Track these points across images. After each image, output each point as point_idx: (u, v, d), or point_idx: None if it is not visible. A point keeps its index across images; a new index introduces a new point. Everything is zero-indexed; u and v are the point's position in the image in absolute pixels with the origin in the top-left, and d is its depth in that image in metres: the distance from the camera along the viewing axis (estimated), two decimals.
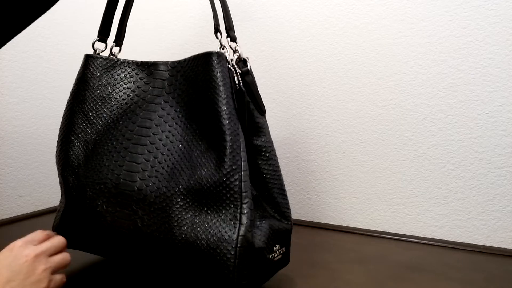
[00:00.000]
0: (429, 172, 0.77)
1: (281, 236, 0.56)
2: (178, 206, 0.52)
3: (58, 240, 0.51)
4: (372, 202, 0.83)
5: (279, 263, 0.55)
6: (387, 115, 0.80)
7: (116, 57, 0.67)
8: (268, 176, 0.58)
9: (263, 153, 0.58)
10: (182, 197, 0.52)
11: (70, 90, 0.64)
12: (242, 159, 0.52)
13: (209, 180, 0.52)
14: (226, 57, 0.55)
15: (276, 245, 0.55)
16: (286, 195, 0.60)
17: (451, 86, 0.74)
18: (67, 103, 0.64)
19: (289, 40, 0.88)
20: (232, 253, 0.49)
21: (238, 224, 0.50)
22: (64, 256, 0.50)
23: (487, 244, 0.73)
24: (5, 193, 0.89)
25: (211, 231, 0.51)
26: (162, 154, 0.55)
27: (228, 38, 0.60)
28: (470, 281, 0.59)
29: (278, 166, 0.60)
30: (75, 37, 1.03)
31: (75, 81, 0.65)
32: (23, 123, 0.92)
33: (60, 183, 0.63)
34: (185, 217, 0.52)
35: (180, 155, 0.54)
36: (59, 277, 0.48)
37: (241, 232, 0.49)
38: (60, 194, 0.65)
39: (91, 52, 0.70)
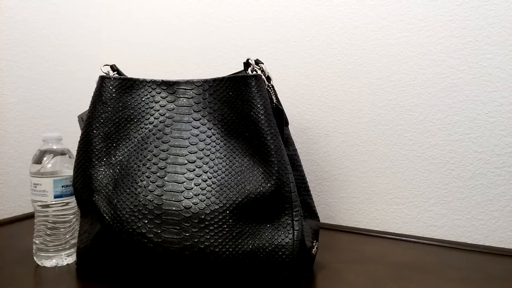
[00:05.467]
0: (429, 172, 0.77)
1: (316, 233, 0.63)
2: (231, 220, 0.54)
3: None
4: (372, 202, 0.83)
5: (315, 256, 0.60)
6: (387, 115, 0.80)
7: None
8: (298, 182, 0.63)
9: (293, 161, 0.63)
10: (235, 212, 0.55)
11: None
12: (289, 172, 0.56)
13: (259, 193, 0.55)
14: (264, 80, 0.60)
15: (314, 241, 0.61)
16: (311, 195, 0.65)
17: (451, 86, 0.74)
18: (84, 125, 0.62)
19: (289, 40, 0.88)
20: (290, 257, 0.54)
21: (292, 230, 0.55)
22: None
23: (487, 244, 0.73)
24: (5, 193, 0.89)
25: (268, 240, 0.54)
26: (206, 172, 0.57)
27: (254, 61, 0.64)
28: (470, 281, 0.59)
29: (303, 170, 0.64)
30: (75, 37, 1.03)
31: (92, 104, 0.63)
32: (23, 123, 0.92)
33: (85, 206, 0.62)
34: (239, 230, 0.54)
35: (225, 171, 0.57)
36: None
37: (296, 237, 0.54)
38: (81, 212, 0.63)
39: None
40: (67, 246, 0.65)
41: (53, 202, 0.64)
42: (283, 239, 0.54)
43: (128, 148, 0.61)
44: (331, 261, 0.66)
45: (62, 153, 0.66)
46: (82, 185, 0.60)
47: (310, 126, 0.87)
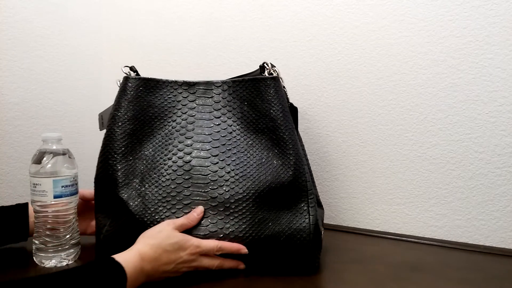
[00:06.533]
0: (429, 172, 0.77)
1: (322, 220, 0.68)
2: (254, 208, 0.60)
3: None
4: (372, 202, 0.83)
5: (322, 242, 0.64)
6: (387, 115, 0.80)
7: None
8: None
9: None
10: (257, 200, 0.60)
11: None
12: (304, 164, 0.63)
13: (278, 183, 0.61)
14: (281, 81, 0.67)
15: (321, 227, 0.64)
16: (316, 186, 0.70)
17: (451, 86, 0.74)
18: (109, 123, 0.65)
19: (289, 40, 0.88)
20: (308, 239, 0.60)
21: (308, 216, 0.61)
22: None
23: (487, 244, 0.73)
24: (5, 193, 0.89)
25: (287, 225, 0.60)
26: (228, 165, 0.62)
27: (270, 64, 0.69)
28: (470, 281, 0.59)
29: (309, 164, 0.69)
30: (75, 37, 1.03)
31: (116, 102, 0.66)
32: (23, 123, 0.92)
33: (104, 200, 0.64)
34: (261, 216, 0.60)
35: (246, 164, 0.63)
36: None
37: (312, 221, 0.60)
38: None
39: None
40: (67, 247, 0.65)
41: (52, 202, 0.63)
42: (301, 224, 0.60)
43: (153, 143, 0.65)
44: (331, 261, 0.65)
45: (62, 153, 0.66)
46: (105, 180, 0.63)
47: (310, 126, 0.87)
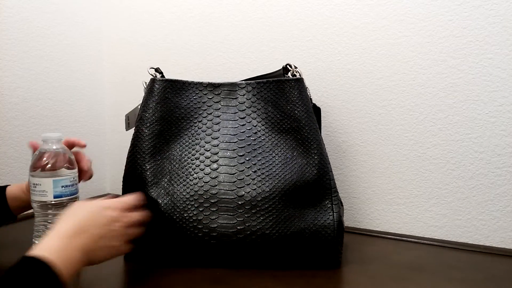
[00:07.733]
0: (429, 172, 0.77)
1: (343, 217, 0.69)
2: (280, 205, 0.62)
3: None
4: (372, 202, 0.83)
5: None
6: (387, 115, 0.80)
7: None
8: None
9: None
10: (283, 198, 0.62)
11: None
12: (328, 162, 0.66)
13: (303, 181, 0.63)
14: (304, 82, 0.68)
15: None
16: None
17: (451, 86, 0.74)
18: (137, 124, 0.67)
19: (289, 40, 0.88)
20: (332, 235, 0.62)
21: (332, 213, 0.63)
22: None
23: (487, 244, 0.73)
24: None
25: (312, 221, 0.62)
26: (254, 164, 0.64)
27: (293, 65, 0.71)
28: (470, 281, 0.59)
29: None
30: (75, 36, 1.03)
31: (144, 104, 0.68)
32: (23, 123, 0.92)
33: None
34: (287, 214, 0.62)
35: (272, 163, 0.64)
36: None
37: (336, 218, 0.63)
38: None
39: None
40: None
41: (52, 202, 0.63)
42: (325, 220, 0.62)
43: (180, 144, 0.67)
44: None
45: (62, 153, 0.65)
46: (134, 179, 0.65)
47: None
